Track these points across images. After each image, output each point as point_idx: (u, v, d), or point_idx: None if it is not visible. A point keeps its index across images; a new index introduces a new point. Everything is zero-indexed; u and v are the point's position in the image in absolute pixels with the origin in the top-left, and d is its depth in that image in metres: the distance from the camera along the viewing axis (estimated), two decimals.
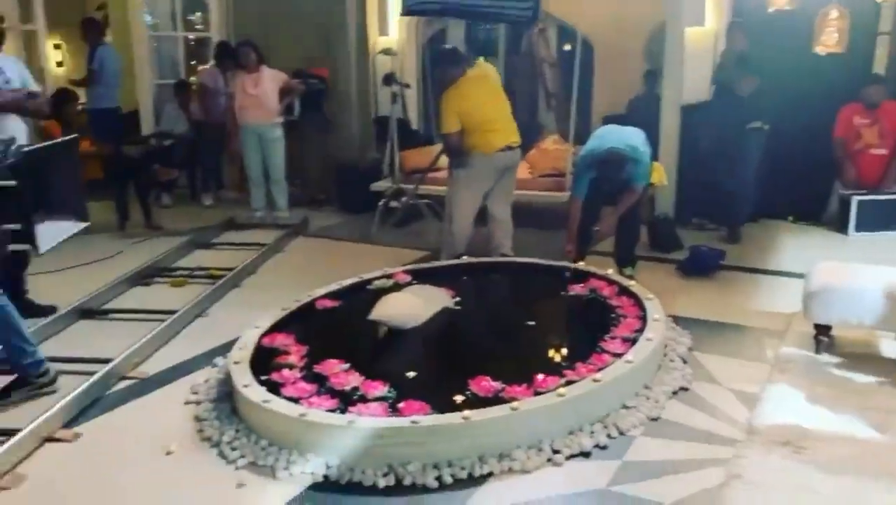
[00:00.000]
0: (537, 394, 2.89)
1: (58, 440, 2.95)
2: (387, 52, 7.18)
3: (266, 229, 6.37)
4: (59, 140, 3.50)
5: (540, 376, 3.00)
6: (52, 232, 2.70)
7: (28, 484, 2.68)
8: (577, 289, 4.11)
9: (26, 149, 2.64)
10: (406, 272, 4.50)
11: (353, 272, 4.49)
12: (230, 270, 5.11)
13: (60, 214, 2.91)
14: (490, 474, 2.61)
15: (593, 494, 2.51)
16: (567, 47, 7.93)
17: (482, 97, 4.81)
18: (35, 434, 2.92)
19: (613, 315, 3.69)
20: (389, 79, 6.75)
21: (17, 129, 4.09)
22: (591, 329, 3.58)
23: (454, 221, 4.89)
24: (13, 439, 2.82)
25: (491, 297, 4.10)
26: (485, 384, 2.96)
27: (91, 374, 3.42)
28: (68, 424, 3.06)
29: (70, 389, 3.23)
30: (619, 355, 3.19)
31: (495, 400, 2.86)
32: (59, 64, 9.66)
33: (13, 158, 2.31)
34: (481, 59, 5.29)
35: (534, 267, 4.51)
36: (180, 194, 7.79)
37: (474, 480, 2.59)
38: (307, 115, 7.35)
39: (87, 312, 4.39)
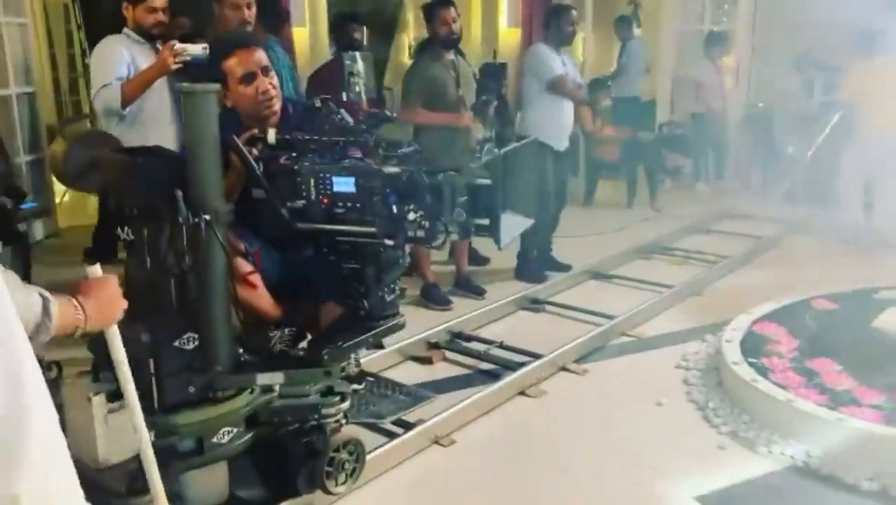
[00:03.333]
0: None
1: (570, 371, 3.59)
2: None
3: (761, 221, 6.33)
4: (522, 143, 4.01)
5: None
6: (510, 227, 2.83)
7: (547, 398, 3.35)
8: None
9: (498, 150, 3.00)
10: None
11: (855, 279, 4.29)
12: (725, 257, 5.30)
13: (517, 210, 2.97)
14: None
15: None
16: None
17: None
18: (554, 362, 3.60)
19: None
20: None
21: (570, 114, 4.97)
22: None
23: None
24: (536, 362, 3.55)
25: None
26: None
27: (598, 325, 4.04)
28: (579, 361, 3.69)
29: (582, 333, 3.87)
30: None
31: None
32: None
33: (488, 157, 2.46)
34: None
35: None
36: (682, 181, 8.17)
37: None
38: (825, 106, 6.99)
39: (597, 274, 5.08)
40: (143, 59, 3.63)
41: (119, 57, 3.58)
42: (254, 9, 3.78)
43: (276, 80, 2.52)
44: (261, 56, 2.50)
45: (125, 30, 3.70)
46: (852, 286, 4.17)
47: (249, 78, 2.45)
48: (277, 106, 2.52)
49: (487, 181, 2.05)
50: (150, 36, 3.66)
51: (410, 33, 11.44)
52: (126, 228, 1.94)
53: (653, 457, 2.83)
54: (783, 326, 3.66)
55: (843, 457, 2.65)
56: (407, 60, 11.12)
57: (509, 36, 7.86)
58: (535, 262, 4.99)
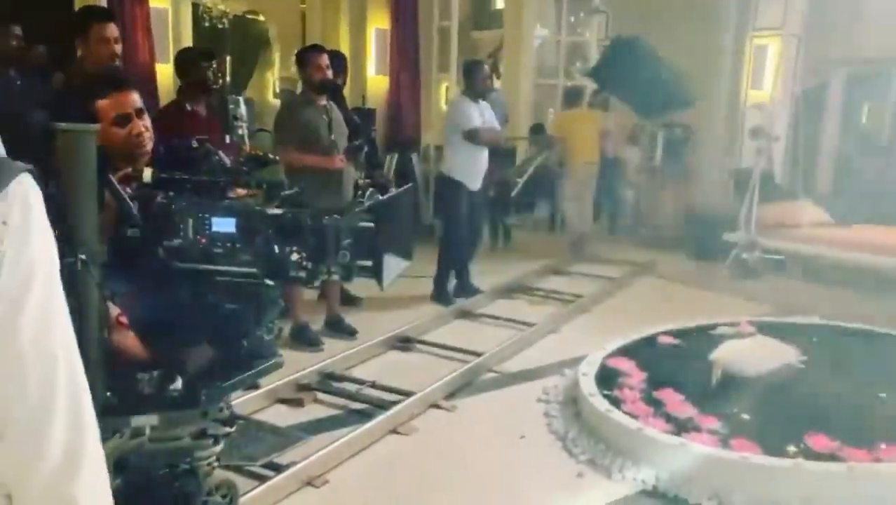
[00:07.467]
0: (878, 462, 2.87)
1: (440, 408, 3.71)
2: (757, 107, 7.20)
3: (617, 265, 6.80)
4: (402, 189, 4.20)
5: (884, 445, 2.96)
6: (390, 268, 2.93)
7: (418, 435, 3.44)
8: None
9: (380, 197, 3.14)
10: (752, 323, 4.58)
11: (696, 316, 4.73)
12: (580, 296, 5.67)
13: (396, 253, 3.06)
14: None
15: None
16: None
17: None
18: (423, 400, 3.70)
19: None
20: (757, 132, 6.77)
21: (485, 159, 5.51)
22: None
23: None
24: (407, 400, 3.64)
25: (842, 362, 4.02)
26: (821, 441, 3.02)
27: (466, 362, 4.20)
28: (448, 398, 3.81)
29: (450, 371, 4.01)
30: None
31: (830, 458, 2.91)
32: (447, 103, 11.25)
33: (370, 203, 2.66)
34: None
35: None
36: (540, 225, 8.64)
37: None
38: (667, 162, 7.67)
39: (463, 312, 5.27)
40: None
41: None
42: (120, 44, 3.68)
43: (148, 122, 2.49)
44: (136, 98, 2.46)
45: None
46: (692, 322, 4.60)
47: (124, 120, 2.42)
48: (149, 147, 2.49)
49: (371, 224, 2.11)
50: None
51: (276, 73, 11.43)
52: None
53: (517, 488, 2.99)
54: (633, 360, 3.97)
55: (687, 479, 2.92)
56: (271, 99, 11.08)
57: (376, 83, 8.07)
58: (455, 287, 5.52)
